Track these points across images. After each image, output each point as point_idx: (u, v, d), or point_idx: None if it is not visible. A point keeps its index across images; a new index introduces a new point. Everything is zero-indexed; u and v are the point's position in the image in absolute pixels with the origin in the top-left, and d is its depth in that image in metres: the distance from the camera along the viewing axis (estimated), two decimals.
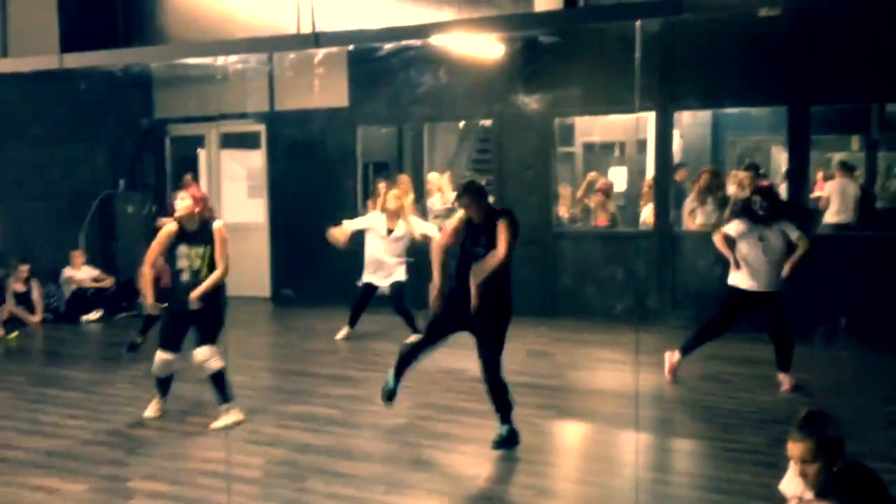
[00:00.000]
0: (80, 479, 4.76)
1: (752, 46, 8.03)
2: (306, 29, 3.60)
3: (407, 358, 5.43)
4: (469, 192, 5.23)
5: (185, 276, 5.73)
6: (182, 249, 5.74)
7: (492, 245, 5.05)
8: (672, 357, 6.63)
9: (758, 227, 6.36)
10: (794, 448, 3.12)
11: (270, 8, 3.79)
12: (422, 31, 2.99)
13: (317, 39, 3.15)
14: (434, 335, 5.38)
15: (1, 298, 9.19)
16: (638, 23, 2.62)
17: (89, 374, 7.44)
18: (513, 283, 5.27)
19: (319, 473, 4.85)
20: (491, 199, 9.81)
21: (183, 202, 5.75)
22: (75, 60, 3.70)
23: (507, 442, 5.14)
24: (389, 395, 5.45)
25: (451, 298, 5.24)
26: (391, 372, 5.44)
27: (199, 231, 5.74)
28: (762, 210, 6.34)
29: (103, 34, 4.10)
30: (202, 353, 5.63)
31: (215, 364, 5.63)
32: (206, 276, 5.70)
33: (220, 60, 5.12)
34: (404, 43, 7.61)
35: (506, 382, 5.25)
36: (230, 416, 5.68)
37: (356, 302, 8.40)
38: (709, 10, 2.66)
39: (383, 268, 8.19)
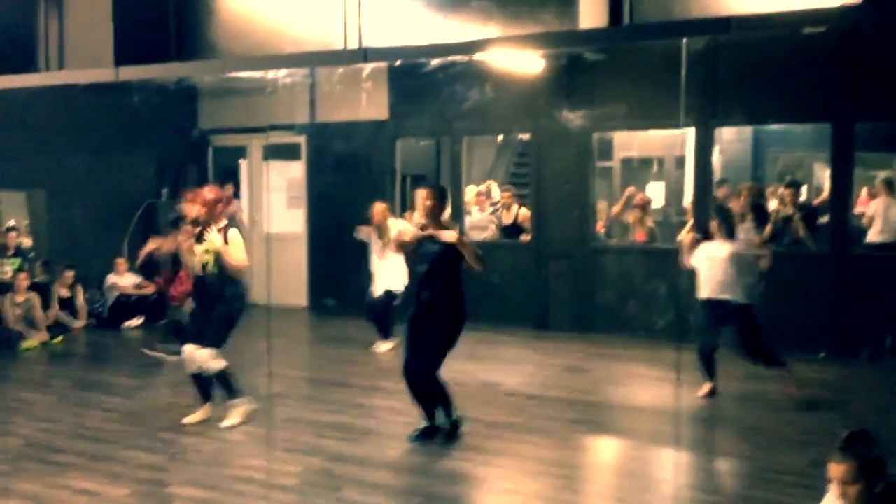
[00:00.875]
0: (121, 483, 4.85)
1: (796, 63, 7.96)
2: (353, 44, 3.66)
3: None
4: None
5: (195, 271, 5.91)
6: (196, 247, 5.89)
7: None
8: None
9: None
10: (836, 469, 3.09)
11: (318, 23, 3.86)
12: (467, 47, 3.03)
13: (365, 55, 3.21)
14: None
15: (47, 303, 9.37)
16: (684, 41, 2.63)
17: (131, 379, 7.57)
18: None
19: (355, 483, 4.89)
20: (527, 213, 9.93)
21: (191, 208, 5.92)
22: (130, 73, 3.80)
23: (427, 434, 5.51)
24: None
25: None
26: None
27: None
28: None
29: (156, 48, 4.21)
30: (201, 354, 5.75)
31: (215, 365, 5.76)
32: (213, 270, 5.80)
33: (266, 74, 5.22)
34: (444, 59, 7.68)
35: (441, 384, 5.47)
36: (236, 416, 5.83)
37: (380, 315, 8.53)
38: (756, 29, 2.67)
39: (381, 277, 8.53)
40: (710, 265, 6.58)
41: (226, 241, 5.78)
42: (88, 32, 4.18)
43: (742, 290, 6.52)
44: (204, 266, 5.83)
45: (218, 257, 5.77)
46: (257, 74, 4.80)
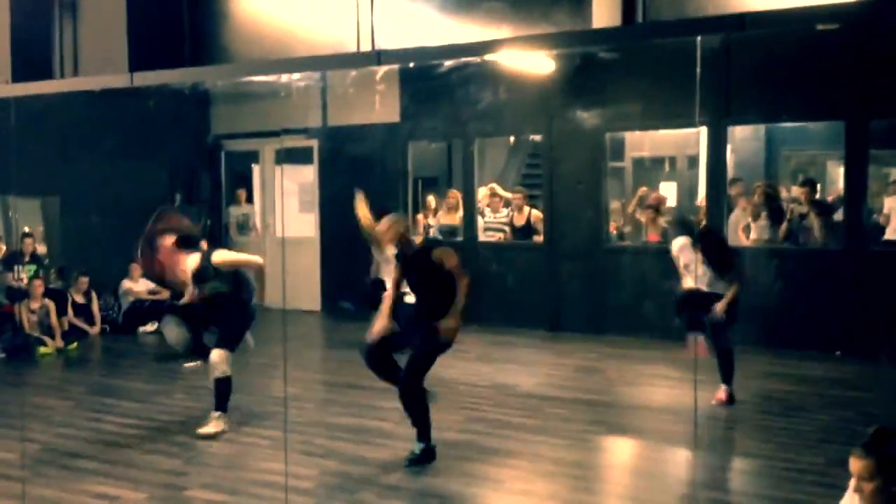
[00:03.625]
0: (140, 488, 4.87)
1: (810, 60, 7.92)
2: (366, 46, 3.67)
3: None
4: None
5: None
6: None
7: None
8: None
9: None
10: (855, 464, 3.08)
11: (331, 26, 3.87)
12: (481, 48, 3.03)
13: (379, 57, 3.22)
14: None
15: (63, 310, 9.42)
16: (698, 39, 2.62)
17: (147, 384, 7.60)
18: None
19: (372, 486, 4.90)
20: (539, 214, 9.92)
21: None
22: (144, 79, 3.82)
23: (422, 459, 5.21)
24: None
25: None
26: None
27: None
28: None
29: (170, 53, 4.23)
30: (214, 355, 5.80)
31: (221, 369, 5.78)
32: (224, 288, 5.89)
33: (279, 78, 5.23)
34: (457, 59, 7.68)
35: (424, 402, 5.25)
36: (213, 427, 5.81)
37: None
38: (771, 26, 2.65)
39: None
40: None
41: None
42: (103, 38, 4.20)
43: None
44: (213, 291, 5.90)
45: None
46: (271, 78, 4.82)
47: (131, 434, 5.95)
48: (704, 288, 6.44)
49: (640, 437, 5.95)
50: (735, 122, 9.00)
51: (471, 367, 6.08)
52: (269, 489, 4.85)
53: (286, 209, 12.06)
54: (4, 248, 9.84)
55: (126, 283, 10.44)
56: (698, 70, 2.82)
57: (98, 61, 4.45)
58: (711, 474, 5.21)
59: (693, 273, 6.53)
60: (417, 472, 5.15)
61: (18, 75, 4.31)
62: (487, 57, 4.61)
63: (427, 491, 4.81)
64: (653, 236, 9.28)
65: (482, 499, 4.77)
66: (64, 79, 4.27)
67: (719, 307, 6.31)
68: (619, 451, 5.91)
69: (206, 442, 5.70)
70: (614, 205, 10.18)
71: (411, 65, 6.75)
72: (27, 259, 9.49)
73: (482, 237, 10.28)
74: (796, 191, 8.55)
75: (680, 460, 5.61)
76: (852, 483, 3.20)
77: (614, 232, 9.87)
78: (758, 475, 5.15)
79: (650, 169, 13.18)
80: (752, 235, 8.45)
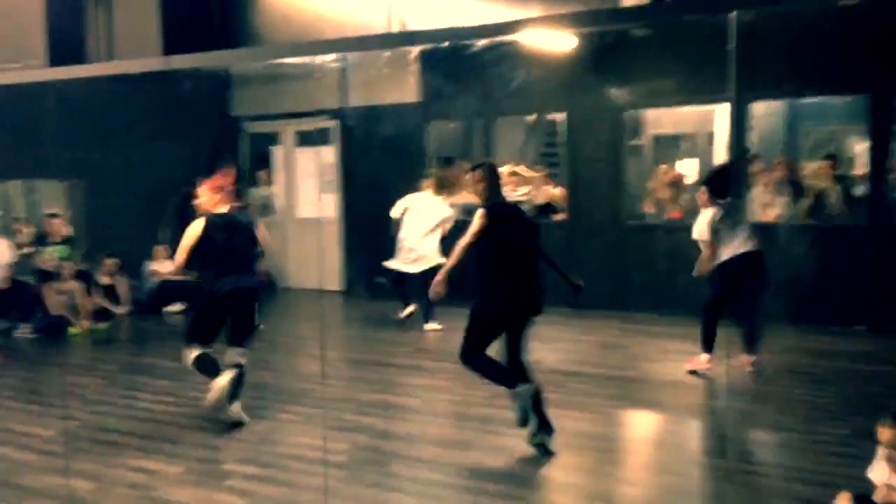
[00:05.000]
0: (176, 462, 5.00)
1: (833, 34, 7.88)
2: (395, 27, 3.73)
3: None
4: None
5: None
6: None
7: None
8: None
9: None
10: (883, 433, 3.15)
11: (360, 7, 3.93)
12: (510, 27, 3.07)
13: (412, 38, 3.27)
14: None
15: (90, 291, 9.56)
16: (732, 14, 2.66)
17: (176, 362, 7.69)
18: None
19: (402, 459, 5.00)
20: (560, 192, 9.97)
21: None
22: (180, 62, 3.89)
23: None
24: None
25: None
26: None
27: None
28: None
29: (202, 37, 4.31)
30: (232, 353, 5.65)
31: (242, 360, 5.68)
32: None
33: (305, 59, 5.27)
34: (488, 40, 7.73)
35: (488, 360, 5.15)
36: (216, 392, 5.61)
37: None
38: (806, 2, 2.67)
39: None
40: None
41: None
42: (136, 23, 4.28)
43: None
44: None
45: None
46: (297, 60, 4.88)
47: (165, 411, 6.08)
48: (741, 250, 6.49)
49: (663, 411, 6.03)
50: (758, 98, 8.97)
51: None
52: (302, 462, 4.97)
53: (308, 190, 12.16)
54: (27, 230, 9.96)
55: (151, 265, 10.58)
56: (733, 46, 2.85)
57: (132, 45, 4.55)
58: (736, 446, 5.28)
59: (724, 240, 6.53)
60: (446, 445, 5.25)
61: (54, 59, 4.40)
62: (513, 37, 4.65)
63: (458, 464, 4.90)
64: (674, 213, 9.31)
65: (510, 470, 4.86)
66: (100, 63, 4.36)
67: None
68: (642, 425, 5.99)
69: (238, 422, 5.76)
70: (655, 182, 10.09)
71: (435, 45, 6.78)
72: (56, 241, 9.62)
73: None
74: (818, 165, 8.53)
75: (703, 433, 5.69)
76: (881, 452, 3.28)
77: (650, 211, 9.83)
78: (783, 447, 5.21)
79: (670, 146, 13.15)
80: (774, 211, 8.45)
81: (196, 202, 5.92)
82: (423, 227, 8.73)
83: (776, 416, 5.76)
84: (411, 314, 8.91)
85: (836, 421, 5.46)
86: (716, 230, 6.61)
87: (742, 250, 6.55)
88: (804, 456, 4.92)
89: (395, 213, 8.96)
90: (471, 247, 5.04)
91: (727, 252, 6.60)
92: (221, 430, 5.57)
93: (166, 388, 6.74)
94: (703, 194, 6.82)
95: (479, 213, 5.05)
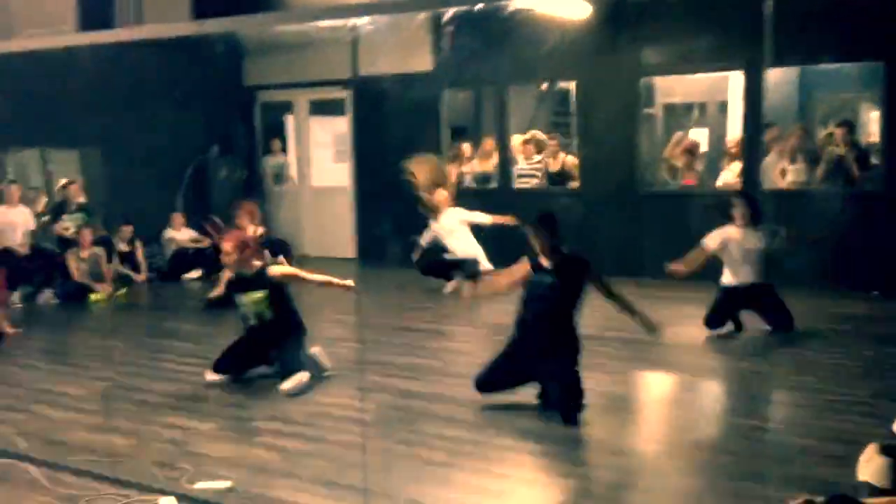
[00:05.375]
0: (208, 419, 5.12)
1: (848, 0, 7.89)
2: None
3: None
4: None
5: (252, 322, 5.80)
6: (239, 298, 5.79)
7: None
8: None
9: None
10: None
11: None
12: None
13: (429, 2, 3.29)
14: None
15: (110, 257, 9.66)
16: None
17: (198, 326, 7.87)
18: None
19: (429, 418, 5.10)
20: (573, 160, 10.03)
21: (226, 254, 5.77)
22: (211, 27, 3.94)
23: None
24: None
25: None
26: None
27: (251, 279, 5.74)
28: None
29: (231, 1, 4.34)
30: (289, 384, 5.59)
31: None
32: (273, 318, 5.73)
33: (321, 23, 5.27)
34: (489, 5, 7.72)
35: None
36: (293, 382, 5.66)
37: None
38: None
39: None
40: (737, 253, 6.78)
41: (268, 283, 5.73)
42: None
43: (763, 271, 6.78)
44: (258, 314, 5.76)
45: (273, 298, 5.72)
46: (320, 27, 4.92)
47: (192, 371, 6.19)
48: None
49: (683, 373, 6.13)
50: (772, 65, 8.97)
51: (511, 308, 6.24)
52: (330, 420, 5.09)
53: (321, 160, 12.21)
54: (44, 198, 10.05)
55: (169, 232, 10.69)
56: (770, 6, 2.89)
57: (160, 9, 4.58)
58: (759, 406, 5.38)
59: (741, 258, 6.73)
60: (470, 404, 5.35)
61: (83, 24, 4.44)
62: (527, 3, 4.67)
63: (483, 422, 5.01)
64: (688, 180, 9.36)
65: (535, 429, 4.96)
66: (130, 27, 4.40)
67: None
68: (665, 386, 6.10)
69: (266, 381, 5.86)
70: (673, 151, 10.06)
71: (445, 11, 6.75)
72: (74, 208, 9.71)
73: (516, 184, 10.40)
74: (834, 132, 8.55)
75: (723, 393, 5.80)
76: None
77: (665, 178, 9.85)
78: (804, 406, 5.29)
79: (681, 115, 13.14)
80: (789, 178, 8.50)
81: (223, 258, 5.91)
82: (455, 235, 8.93)
83: (796, 377, 5.85)
84: (457, 288, 8.94)
85: (855, 381, 5.55)
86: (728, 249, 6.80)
87: (749, 281, 6.74)
88: (825, 415, 5.01)
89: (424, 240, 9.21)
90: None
91: (731, 278, 6.84)
92: (249, 391, 5.69)
93: (191, 350, 6.85)
94: (740, 209, 6.84)
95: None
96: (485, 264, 8.82)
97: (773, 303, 6.74)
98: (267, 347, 5.83)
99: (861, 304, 7.73)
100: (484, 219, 9.00)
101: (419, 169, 9.12)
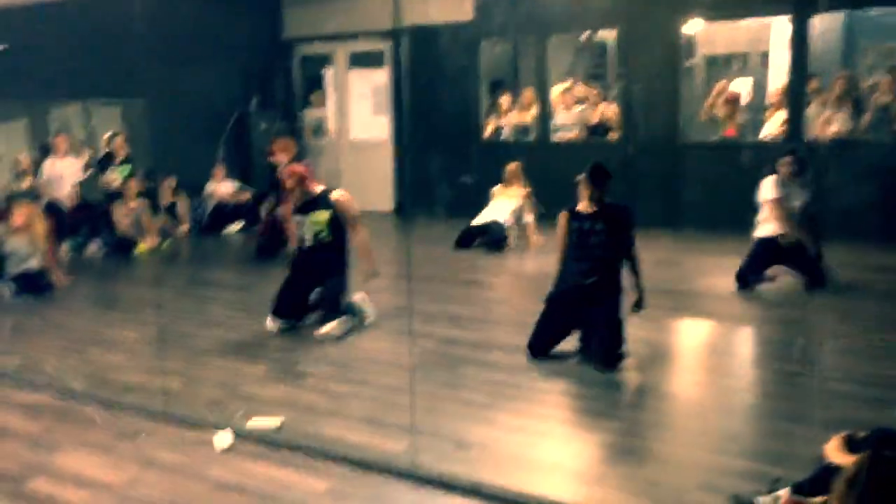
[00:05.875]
0: (257, 362, 5.27)
1: None
2: None
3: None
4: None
5: (308, 243, 5.96)
6: (301, 219, 5.98)
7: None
8: None
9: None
10: None
11: None
12: None
13: None
14: None
15: (155, 210, 9.83)
16: None
17: (241, 277, 8.04)
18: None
19: (471, 363, 5.19)
20: (614, 110, 9.94)
21: (288, 180, 6.01)
22: None
23: None
24: None
25: None
26: None
27: (314, 200, 5.96)
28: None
29: None
30: (327, 328, 5.76)
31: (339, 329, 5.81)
32: (329, 238, 5.93)
33: None
34: None
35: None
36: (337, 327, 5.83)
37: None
38: None
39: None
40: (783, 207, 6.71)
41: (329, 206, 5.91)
42: None
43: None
44: (317, 234, 5.93)
45: (331, 223, 5.89)
46: None
47: (238, 318, 6.35)
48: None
49: (721, 321, 6.14)
50: (819, 10, 8.78)
51: (550, 260, 6.28)
52: (375, 364, 5.22)
53: (360, 112, 12.23)
54: (89, 151, 10.22)
55: (210, 186, 10.83)
56: None
57: None
58: (794, 352, 5.38)
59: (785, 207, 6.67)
60: (509, 350, 5.43)
61: None
62: None
63: (523, 366, 5.09)
64: (730, 131, 9.26)
65: (577, 372, 5.03)
66: None
67: None
68: (703, 334, 6.12)
69: (306, 329, 5.95)
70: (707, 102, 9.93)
71: None
72: (119, 161, 9.87)
73: (555, 136, 10.36)
74: (880, 80, 8.39)
75: (764, 341, 5.81)
76: None
77: (706, 128, 9.74)
78: (841, 352, 5.28)
79: (723, 67, 12.94)
80: (834, 127, 8.38)
81: (288, 194, 6.13)
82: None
83: (834, 325, 5.84)
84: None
85: (893, 329, 5.54)
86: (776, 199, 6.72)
87: (779, 233, 6.67)
88: (868, 362, 5.01)
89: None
90: None
91: (766, 229, 6.76)
92: (294, 337, 5.82)
93: (236, 299, 7.02)
94: (786, 166, 6.76)
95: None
96: (511, 227, 8.77)
97: (806, 259, 6.68)
98: (315, 278, 5.96)
99: None
100: None
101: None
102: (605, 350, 5.03)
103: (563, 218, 5.33)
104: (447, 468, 3.67)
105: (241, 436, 4.08)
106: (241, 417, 4.28)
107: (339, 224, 5.99)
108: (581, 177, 5.27)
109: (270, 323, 5.94)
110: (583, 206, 5.26)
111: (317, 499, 3.48)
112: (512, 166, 9.01)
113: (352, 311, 5.95)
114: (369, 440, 4.02)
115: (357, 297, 6.08)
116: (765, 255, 6.83)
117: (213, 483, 3.64)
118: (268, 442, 4.03)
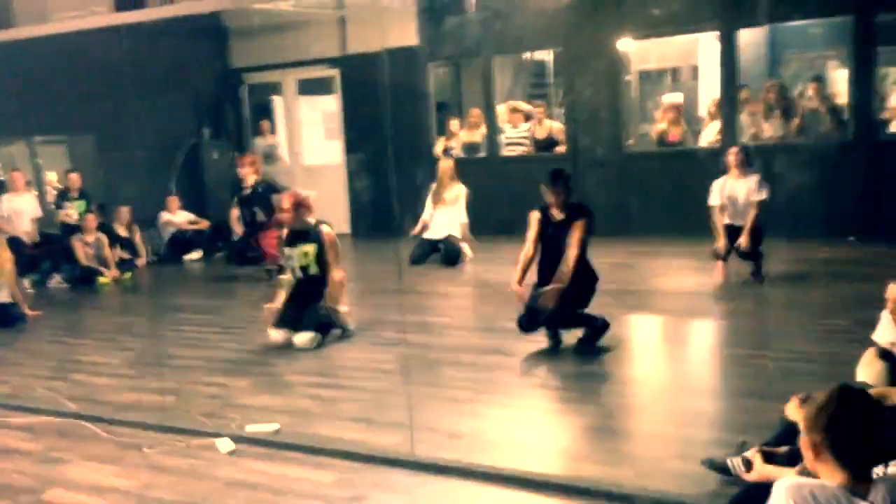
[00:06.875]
0: (242, 377, 5.44)
1: None
2: None
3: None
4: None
5: (297, 275, 6.15)
6: (289, 251, 6.19)
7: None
8: None
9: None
10: (892, 290, 3.65)
11: None
12: None
13: None
14: None
15: (112, 242, 9.86)
16: None
17: (211, 301, 8.17)
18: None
19: (449, 365, 5.46)
20: (559, 126, 10.40)
21: (285, 212, 6.26)
22: (207, 5, 4.18)
23: None
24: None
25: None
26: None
27: (306, 231, 6.18)
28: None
29: None
30: (301, 339, 5.96)
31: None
32: (317, 275, 6.09)
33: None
34: None
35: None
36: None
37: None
38: None
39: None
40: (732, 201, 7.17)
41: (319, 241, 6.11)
42: None
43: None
44: (304, 269, 6.12)
45: (318, 257, 6.10)
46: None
47: (216, 338, 6.51)
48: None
49: (679, 315, 6.52)
50: (745, 25, 9.34)
51: (512, 270, 6.61)
52: (357, 371, 5.45)
53: (312, 138, 12.45)
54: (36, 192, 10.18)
55: (164, 215, 10.90)
56: None
57: None
58: (749, 338, 5.78)
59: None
60: (484, 351, 5.72)
61: (119, 5, 4.70)
62: None
63: (504, 366, 5.37)
64: (673, 136, 9.76)
65: (551, 367, 5.35)
66: (160, 7, 4.67)
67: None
68: (663, 328, 6.49)
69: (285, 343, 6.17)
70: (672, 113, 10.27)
71: None
72: (75, 195, 9.91)
73: (504, 152, 10.75)
74: (806, 87, 8.98)
75: (717, 330, 6.22)
76: (890, 315, 3.79)
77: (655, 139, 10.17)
78: (791, 335, 5.69)
79: (655, 81, 13.54)
80: (766, 133, 8.92)
81: (282, 216, 6.44)
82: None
83: (781, 312, 6.28)
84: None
85: (836, 313, 5.98)
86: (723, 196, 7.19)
87: (737, 223, 7.13)
88: (813, 341, 5.44)
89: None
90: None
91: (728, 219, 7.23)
92: (272, 352, 6.00)
93: (211, 321, 7.15)
94: (734, 156, 7.22)
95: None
96: (465, 241, 9.08)
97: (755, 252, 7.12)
98: (308, 303, 6.09)
99: (838, 249, 8.20)
100: None
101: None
102: (579, 341, 5.43)
103: (534, 217, 5.66)
104: (442, 455, 3.93)
105: (243, 441, 4.27)
106: (239, 427, 4.46)
107: (324, 258, 6.16)
108: (544, 187, 5.62)
109: (272, 334, 6.06)
110: (554, 212, 5.60)
111: (325, 489, 3.71)
112: (444, 166, 9.32)
113: (338, 324, 6.18)
114: (365, 437, 4.25)
115: (341, 310, 6.26)
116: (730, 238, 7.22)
117: (224, 481, 3.83)
118: (269, 444, 4.23)
